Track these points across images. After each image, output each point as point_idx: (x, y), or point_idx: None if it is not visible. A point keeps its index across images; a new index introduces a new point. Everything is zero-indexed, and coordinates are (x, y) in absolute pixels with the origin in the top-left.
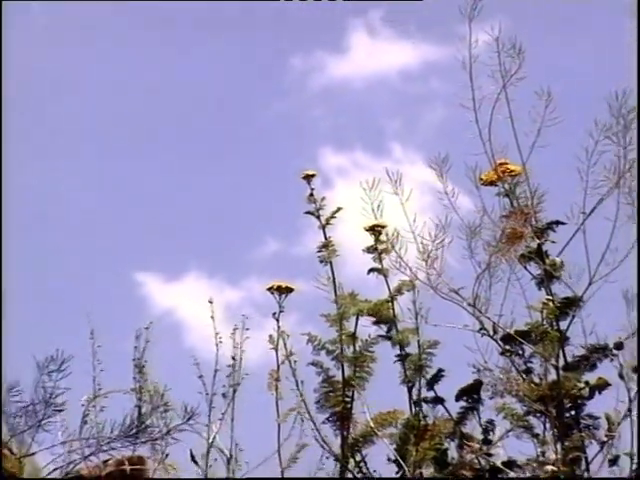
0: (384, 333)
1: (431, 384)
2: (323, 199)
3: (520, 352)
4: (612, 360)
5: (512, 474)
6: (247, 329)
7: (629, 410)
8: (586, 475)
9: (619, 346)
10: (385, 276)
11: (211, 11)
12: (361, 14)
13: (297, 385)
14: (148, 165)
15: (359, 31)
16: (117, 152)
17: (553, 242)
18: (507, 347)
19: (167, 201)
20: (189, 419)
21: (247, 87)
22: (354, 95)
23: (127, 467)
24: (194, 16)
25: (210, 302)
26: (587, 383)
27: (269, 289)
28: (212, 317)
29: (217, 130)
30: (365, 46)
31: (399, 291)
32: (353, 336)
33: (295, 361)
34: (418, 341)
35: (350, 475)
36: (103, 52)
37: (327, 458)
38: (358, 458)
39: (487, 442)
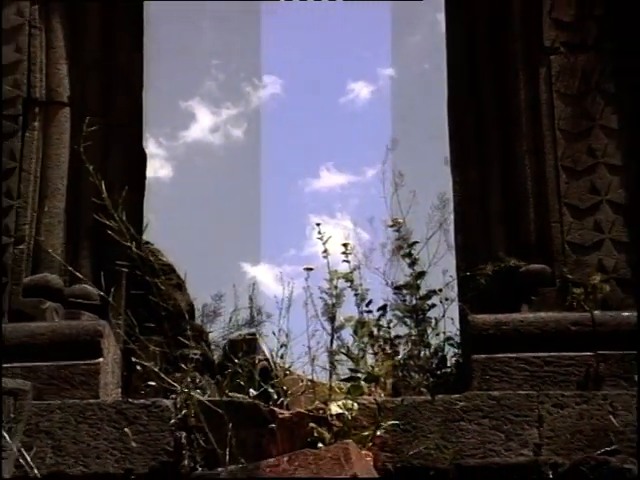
0: (349, 285)
1: (367, 305)
2: (325, 232)
3: (402, 293)
4: (437, 295)
5: (398, 340)
6: (294, 285)
7: (443, 315)
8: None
9: (441, 290)
10: (349, 264)
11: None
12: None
13: (314, 306)
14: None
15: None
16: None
17: (415, 250)
18: (396, 291)
19: (247, 231)
20: (269, 317)
21: (280, 194)
22: (324, 199)
23: (245, 336)
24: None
25: (280, 272)
26: (428, 305)
27: (304, 269)
28: (281, 278)
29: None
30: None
31: (354, 270)
32: (336, 287)
33: (313, 297)
34: (362, 289)
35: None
36: None
37: (325, 334)
38: (338, 335)
39: (388, 327)
